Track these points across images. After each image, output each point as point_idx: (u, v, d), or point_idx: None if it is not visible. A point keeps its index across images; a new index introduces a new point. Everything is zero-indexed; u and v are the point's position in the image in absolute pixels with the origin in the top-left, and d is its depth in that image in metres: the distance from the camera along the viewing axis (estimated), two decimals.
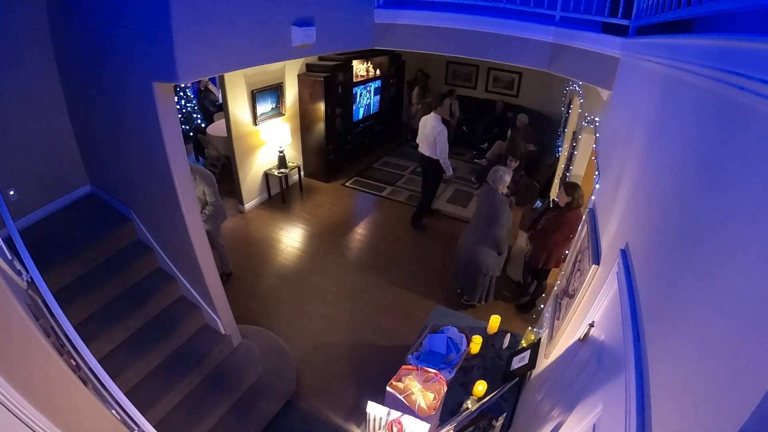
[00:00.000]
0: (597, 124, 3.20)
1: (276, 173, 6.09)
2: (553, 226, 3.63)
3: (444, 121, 5.08)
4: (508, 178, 3.79)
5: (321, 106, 6.23)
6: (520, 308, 4.38)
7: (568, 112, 5.66)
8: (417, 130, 6.65)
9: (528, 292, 4.40)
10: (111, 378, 1.75)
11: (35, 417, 1.32)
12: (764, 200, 0.67)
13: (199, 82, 7.68)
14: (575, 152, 4.15)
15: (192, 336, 3.32)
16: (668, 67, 1.48)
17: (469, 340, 2.85)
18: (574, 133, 4.36)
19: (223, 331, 3.41)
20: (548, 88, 7.50)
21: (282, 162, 6.09)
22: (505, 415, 2.27)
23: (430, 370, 2.36)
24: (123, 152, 3.04)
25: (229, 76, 5.04)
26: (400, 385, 2.29)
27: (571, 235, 3.22)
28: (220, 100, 6.82)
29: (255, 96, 5.50)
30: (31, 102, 2.99)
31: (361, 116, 7.50)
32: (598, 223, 2.19)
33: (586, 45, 2.75)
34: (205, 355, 3.22)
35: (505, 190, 3.84)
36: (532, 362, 2.58)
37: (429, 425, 2.03)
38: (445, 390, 2.27)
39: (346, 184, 6.96)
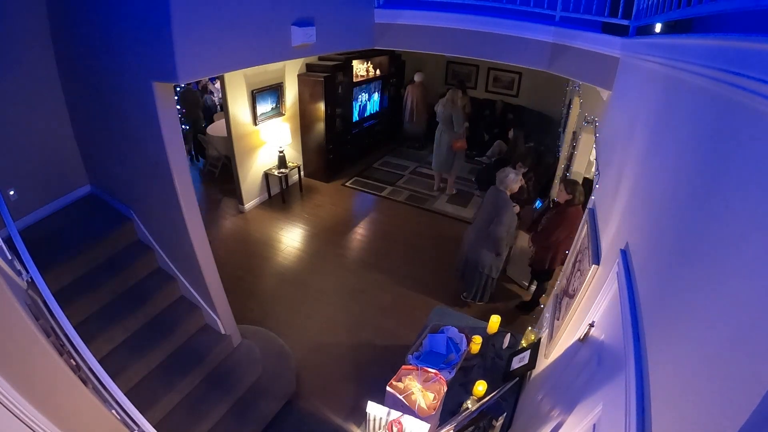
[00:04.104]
0: (597, 124, 3.20)
1: (276, 173, 6.09)
2: (554, 224, 3.63)
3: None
4: (514, 178, 3.79)
5: (321, 106, 6.23)
6: (522, 308, 4.37)
7: (568, 112, 5.65)
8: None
9: (528, 292, 4.39)
10: (111, 378, 1.75)
11: (35, 417, 1.32)
12: (764, 200, 0.67)
13: (198, 82, 7.69)
14: (575, 152, 4.15)
15: (192, 336, 3.32)
16: (668, 67, 1.48)
17: (469, 340, 2.85)
18: (574, 133, 4.36)
19: (223, 331, 3.41)
20: (548, 88, 7.49)
21: (282, 162, 6.09)
22: (505, 415, 2.27)
23: (430, 370, 2.36)
24: (123, 152, 3.04)
25: (229, 76, 5.04)
26: (400, 385, 2.29)
27: (573, 231, 3.22)
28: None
29: (255, 96, 5.50)
30: (31, 102, 2.99)
31: (362, 116, 7.50)
32: (598, 223, 2.19)
33: (586, 45, 2.75)
34: (205, 355, 3.22)
35: (515, 189, 3.83)
36: (532, 362, 2.58)
37: (429, 425, 2.02)
38: (445, 390, 2.27)
39: (346, 184, 6.96)
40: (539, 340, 2.78)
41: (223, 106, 5.32)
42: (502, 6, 3.06)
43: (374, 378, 3.43)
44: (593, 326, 1.61)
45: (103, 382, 1.73)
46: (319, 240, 5.49)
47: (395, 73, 8.24)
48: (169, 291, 3.34)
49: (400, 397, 2.21)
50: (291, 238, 5.49)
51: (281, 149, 6.01)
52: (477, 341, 2.84)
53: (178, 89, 7.66)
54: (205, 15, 2.19)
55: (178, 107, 8.09)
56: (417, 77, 7.68)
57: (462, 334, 2.90)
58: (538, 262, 3.91)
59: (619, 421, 0.97)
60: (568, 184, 3.55)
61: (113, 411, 1.82)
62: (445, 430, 2.20)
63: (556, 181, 5.19)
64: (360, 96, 7.27)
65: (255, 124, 5.70)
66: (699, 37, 1.18)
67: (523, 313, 4.32)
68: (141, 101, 2.44)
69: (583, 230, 2.47)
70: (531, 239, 3.98)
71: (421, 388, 2.25)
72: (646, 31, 2.31)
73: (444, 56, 8.47)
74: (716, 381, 0.67)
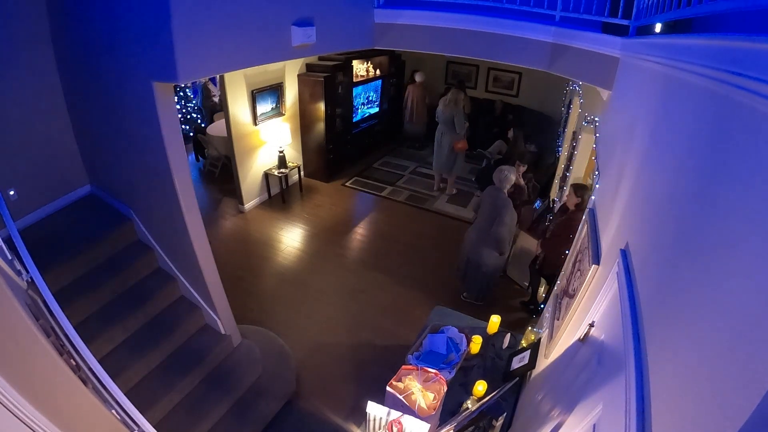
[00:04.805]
0: (597, 124, 3.20)
1: (276, 173, 6.09)
2: (567, 231, 3.47)
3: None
4: (513, 178, 3.80)
5: (321, 106, 6.23)
6: (529, 311, 4.33)
7: (568, 112, 5.65)
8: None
9: (535, 298, 4.34)
10: (111, 378, 1.75)
11: (35, 417, 1.32)
12: (764, 200, 0.67)
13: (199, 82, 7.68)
14: (575, 152, 4.15)
15: (192, 336, 3.32)
16: (668, 67, 1.48)
17: (469, 340, 2.85)
18: (574, 133, 4.36)
19: (223, 331, 3.41)
20: (548, 88, 7.49)
21: (282, 162, 6.09)
22: (505, 415, 2.27)
23: (430, 370, 2.36)
24: (123, 152, 3.04)
25: (229, 76, 5.04)
26: (400, 385, 2.29)
27: None
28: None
29: (255, 96, 5.50)
30: (32, 102, 2.99)
31: (362, 116, 7.50)
32: (598, 223, 2.19)
33: (586, 45, 2.75)
34: (205, 355, 3.22)
35: (513, 188, 3.85)
36: (532, 362, 2.58)
37: (429, 425, 2.02)
38: (445, 390, 2.27)
39: (346, 184, 6.96)
40: (539, 340, 2.78)
41: (223, 106, 5.33)
42: (502, 6, 3.06)
43: (374, 378, 3.43)
44: (593, 326, 1.61)
45: (103, 382, 1.73)
46: (319, 240, 5.49)
47: (395, 73, 8.24)
48: (169, 291, 3.34)
49: (400, 397, 2.21)
50: (291, 238, 5.49)
51: (281, 149, 6.01)
52: (477, 341, 2.84)
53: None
54: (206, 15, 2.19)
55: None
56: (417, 77, 7.71)
57: (462, 334, 2.90)
58: (549, 266, 3.85)
59: (619, 421, 0.97)
60: (578, 188, 3.47)
61: (113, 411, 1.82)
62: (445, 430, 2.20)
63: (556, 181, 5.19)
64: (360, 96, 7.26)
65: (255, 124, 5.70)
66: (699, 37, 1.18)
67: (531, 313, 4.28)
68: (141, 101, 2.44)
69: (583, 230, 2.47)
70: (540, 245, 3.93)
71: (421, 388, 2.25)
72: (646, 31, 2.31)
73: (444, 56, 8.46)
74: (716, 381, 0.67)
